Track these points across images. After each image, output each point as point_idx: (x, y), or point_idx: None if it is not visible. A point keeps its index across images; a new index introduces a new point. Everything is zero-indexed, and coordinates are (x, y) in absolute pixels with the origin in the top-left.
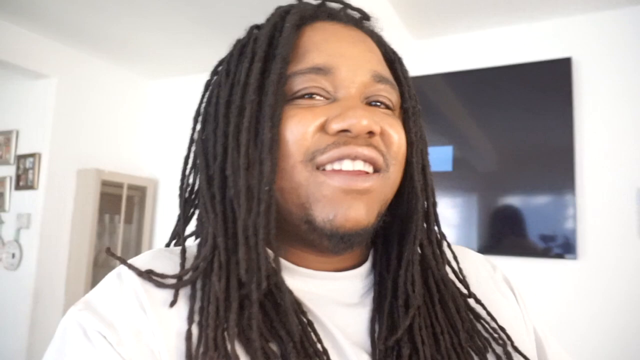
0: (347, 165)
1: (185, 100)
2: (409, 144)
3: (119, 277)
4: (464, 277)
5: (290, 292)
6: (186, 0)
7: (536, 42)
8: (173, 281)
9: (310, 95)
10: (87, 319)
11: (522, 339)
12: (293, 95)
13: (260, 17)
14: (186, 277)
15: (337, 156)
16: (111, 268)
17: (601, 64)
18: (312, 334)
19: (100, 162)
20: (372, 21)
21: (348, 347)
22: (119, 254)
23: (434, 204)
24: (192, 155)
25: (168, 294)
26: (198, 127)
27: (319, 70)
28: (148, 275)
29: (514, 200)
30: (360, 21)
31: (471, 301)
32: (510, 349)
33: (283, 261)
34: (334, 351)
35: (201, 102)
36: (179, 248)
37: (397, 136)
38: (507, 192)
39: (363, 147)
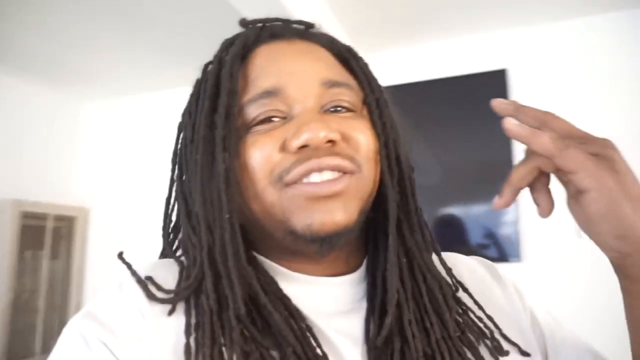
0: (315, 177)
1: (122, 123)
2: (377, 137)
3: (120, 286)
4: (448, 268)
5: (288, 299)
6: (121, 18)
7: (472, 55)
8: (166, 295)
9: (269, 119)
10: (87, 326)
11: (520, 329)
12: (251, 124)
13: (198, 33)
14: (179, 294)
15: (302, 172)
16: (33, 312)
17: (535, 76)
18: (311, 339)
19: (21, 191)
20: (317, 27)
21: (345, 349)
22: (42, 294)
23: (413, 194)
24: (173, 194)
25: (165, 308)
26: (176, 167)
27: (269, 93)
28: (145, 283)
29: (455, 210)
30: (305, 32)
31: (461, 295)
32: (498, 336)
33: (280, 268)
34: (332, 355)
35: (176, 144)
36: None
37: (362, 136)
38: (449, 203)
39: (326, 157)
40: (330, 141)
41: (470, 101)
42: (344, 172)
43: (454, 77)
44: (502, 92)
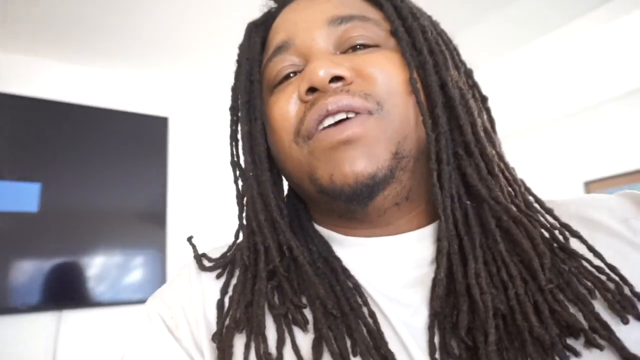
0: (328, 122)
1: None
2: (408, 64)
3: (181, 268)
4: (548, 209)
5: (336, 258)
6: None
7: (139, 93)
8: (211, 264)
9: (289, 75)
10: (152, 304)
11: None
12: (274, 82)
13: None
14: (220, 261)
15: (313, 118)
16: None
17: (195, 124)
18: (357, 297)
19: None
20: None
21: (396, 314)
22: None
23: (473, 123)
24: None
25: (212, 276)
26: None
27: (280, 48)
28: (199, 258)
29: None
30: None
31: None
32: (628, 292)
33: (333, 234)
34: (383, 322)
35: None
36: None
37: (378, 68)
38: (93, 245)
39: (333, 97)
40: (338, 78)
41: (132, 140)
42: (357, 112)
43: (120, 110)
44: (163, 139)
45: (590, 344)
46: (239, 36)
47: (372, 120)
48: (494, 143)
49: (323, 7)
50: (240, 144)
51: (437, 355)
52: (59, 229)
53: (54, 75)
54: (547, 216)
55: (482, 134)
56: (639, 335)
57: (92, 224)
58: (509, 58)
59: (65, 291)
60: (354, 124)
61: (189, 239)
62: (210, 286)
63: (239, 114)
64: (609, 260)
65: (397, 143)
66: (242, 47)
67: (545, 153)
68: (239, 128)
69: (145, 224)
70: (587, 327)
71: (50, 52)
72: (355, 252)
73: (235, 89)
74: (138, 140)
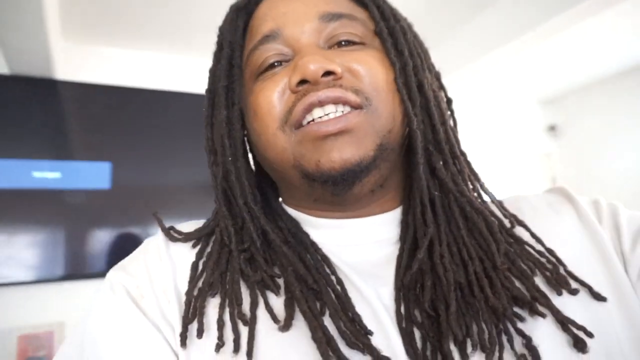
0: (317, 113)
1: None
2: (392, 65)
3: (147, 242)
4: (498, 201)
5: (306, 235)
6: None
7: (198, 75)
8: (182, 236)
9: (274, 64)
10: (115, 275)
11: (594, 263)
12: (259, 70)
13: None
14: (193, 233)
15: (303, 108)
16: None
17: None
18: (325, 267)
19: None
20: None
21: (367, 288)
22: None
23: (443, 122)
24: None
25: (183, 247)
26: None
27: (268, 37)
28: (168, 230)
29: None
30: None
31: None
32: (562, 272)
33: (306, 216)
34: (353, 292)
35: None
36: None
37: (366, 67)
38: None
39: (326, 89)
40: (329, 73)
41: (192, 120)
42: (350, 105)
43: (186, 92)
44: None
45: (533, 312)
46: None
47: (362, 114)
48: (458, 142)
49: (313, 1)
50: (214, 127)
51: (403, 324)
52: (130, 204)
53: (120, 62)
54: (496, 207)
55: (450, 132)
56: (574, 308)
57: (159, 198)
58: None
59: None
60: (346, 118)
61: (154, 214)
62: (180, 259)
63: (216, 98)
64: (542, 235)
65: (382, 136)
66: (223, 30)
67: (614, 110)
68: (216, 112)
69: (207, 196)
70: (529, 298)
71: (116, 40)
72: (325, 232)
73: (213, 72)
74: (198, 119)
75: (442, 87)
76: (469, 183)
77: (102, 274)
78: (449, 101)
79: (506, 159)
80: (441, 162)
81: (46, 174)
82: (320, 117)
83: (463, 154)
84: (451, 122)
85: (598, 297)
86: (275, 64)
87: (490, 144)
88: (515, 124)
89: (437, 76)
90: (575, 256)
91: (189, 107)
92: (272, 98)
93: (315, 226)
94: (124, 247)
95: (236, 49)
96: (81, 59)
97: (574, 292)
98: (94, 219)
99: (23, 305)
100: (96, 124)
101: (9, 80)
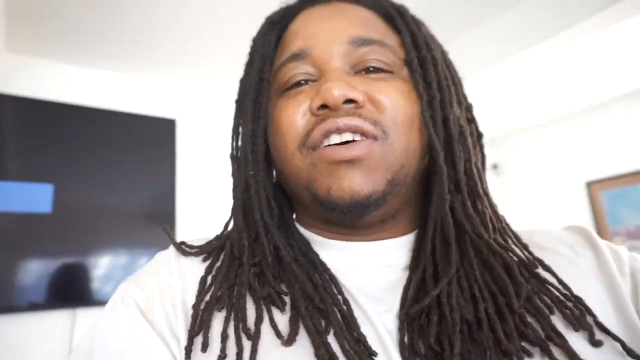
0: (334, 139)
1: None
2: (419, 97)
3: (158, 255)
4: (524, 244)
5: (316, 255)
6: None
7: (147, 96)
8: (193, 250)
9: (300, 82)
10: (126, 287)
11: (608, 320)
12: (284, 87)
13: None
14: (204, 248)
15: (321, 133)
16: None
17: (202, 128)
18: (333, 287)
19: None
20: None
21: (373, 313)
22: None
23: (468, 159)
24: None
25: (194, 261)
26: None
27: (297, 56)
28: (179, 245)
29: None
30: None
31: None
32: (591, 322)
33: (316, 236)
34: (359, 314)
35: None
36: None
37: (389, 99)
38: (103, 246)
39: (345, 117)
40: (351, 101)
41: (141, 142)
42: (365, 135)
43: (126, 112)
44: (171, 140)
45: (545, 352)
46: (243, 43)
47: (376, 146)
48: (482, 180)
49: (345, 23)
50: (240, 138)
51: (406, 354)
52: (72, 229)
53: (64, 77)
54: (520, 249)
55: (474, 170)
56: (586, 347)
57: (103, 224)
58: (515, 59)
59: (78, 290)
60: (361, 146)
61: (164, 228)
62: (190, 273)
63: (243, 110)
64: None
65: (394, 171)
66: (256, 42)
67: (548, 153)
68: (242, 124)
69: (155, 224)
70: (544, 336)
71: (60, 55)
72: (335, 254)
73: (244, 83)
74: (147, 142)
75: (473, 119)
76: (490, 225)
77: (43, 307)
78: (479, 136)
79: None
80: (459, 202)
81: None
82: (337, 144)
83: (487, 194)
84: (479, 159)
85: (630, 354)
86: (302, 82)
87: None
88: None
89: (469, 108)
90: (590, 303)
91: (136, 127)
92: (293, 118)
93: (325, 247)
94: (70, 278)
95: (267, 62)
96: (25, 72)
97: (597, 343)
98: (32, 244)
99: None
100: (39, 142)
101: None
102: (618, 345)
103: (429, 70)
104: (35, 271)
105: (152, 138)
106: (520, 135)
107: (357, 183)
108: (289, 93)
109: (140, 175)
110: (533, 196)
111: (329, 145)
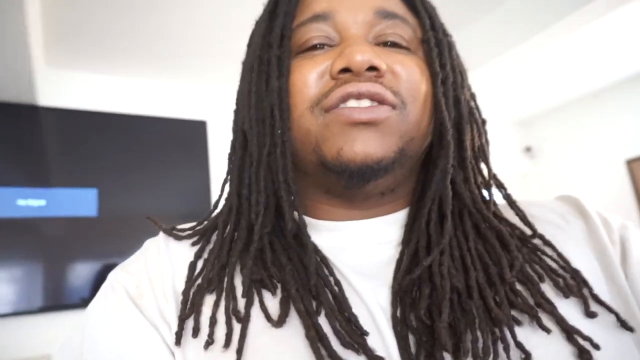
0: (352, 104)
1: None
2: (433, 75)
3: (147, 242)
4: (522, 215)
5: (307, 236)
6: None
7: (179, 100)
8: (182, 233)
9: (316, 46)
10: (115, 275)
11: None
12: (300, 48)
13: None
14: (195, 229)
15: (340, 96)
16: None
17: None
18: (324, 269)
19: None
20: None
21: (365, 290)
22: None
23: (472, 139)
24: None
25: (183, 246)
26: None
27: (318, 17)
28: (167, 229)
29: None
30: None
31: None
32: (587, 294)
33: (309, 219)
34: (350, 292)
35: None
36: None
37: (408, 72)
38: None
39: (367, 82)
40: (373, 68)
41: (172, 145)
42: (385, 103)
43: (158, 117)
44: (203, 141)
45: (534, 317)
46: None
47: (394, 114)
48: (487, 159)
49: None
50: (253, 101)
51: (398, 328)
52: (116, 232)
53: (100, 88)
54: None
55: (481, 151)
56: (578, 316)
57: (146, 227)
58: (546, 34)
59: None
60: (380, 110)
61: (149, 217)
62: (180, 258)
63: (262, 67)
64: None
65: (405, 141)
66: None
67: (583, 132)
68: (259, 82)
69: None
70: (533, 303)
71: (96, 66)
72: (327, 235)
73: (264, 38)
74: (181, 144)
75: (477, 107)
76: (492, 204)
77: (84, 304)
78: (484, 122)
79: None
80: (461, 177)
81: (30, 202)
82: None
83: (494, 176)
84: (484, 142)
85: (625, 326)
86: (318, 46)
87: None
88: (492, 145)
89: (473, 97)
90: (583, 272)
91: (169, 131)
92: (307, 78)
93: (317, 229)
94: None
95: (288, 20)
96: (64, 85)
97: (592, 314)
98: (80, 246)
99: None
100: (81, 150)
101: None
102: (611, 316)
103: (444, 52)
104: (83, 271)
105: (185, 140)
106: (553, 115)
107: (370, 145)
108: (304, 55)
109: (176, 177)
110: (571, 178)
111: (345, 107)
